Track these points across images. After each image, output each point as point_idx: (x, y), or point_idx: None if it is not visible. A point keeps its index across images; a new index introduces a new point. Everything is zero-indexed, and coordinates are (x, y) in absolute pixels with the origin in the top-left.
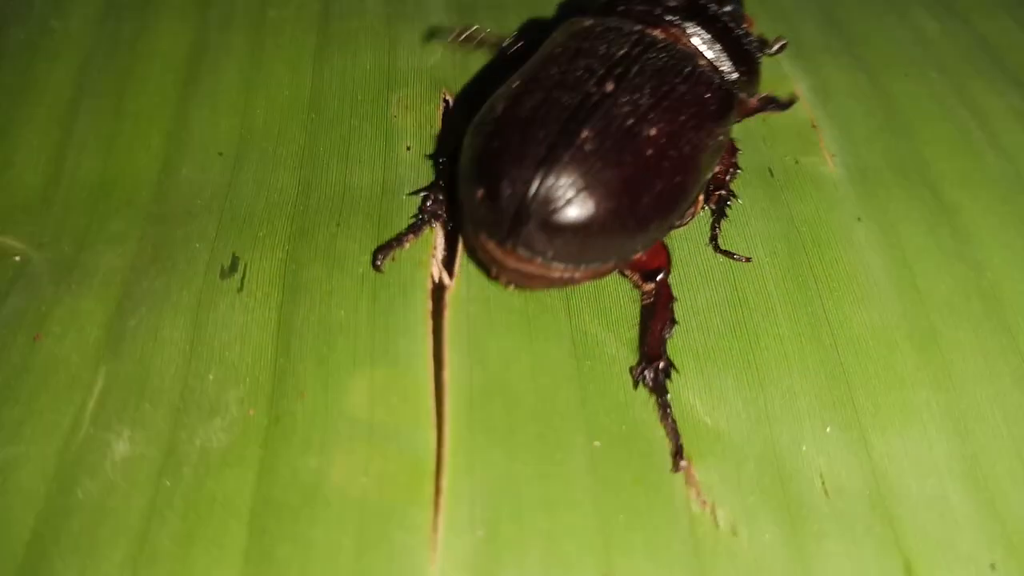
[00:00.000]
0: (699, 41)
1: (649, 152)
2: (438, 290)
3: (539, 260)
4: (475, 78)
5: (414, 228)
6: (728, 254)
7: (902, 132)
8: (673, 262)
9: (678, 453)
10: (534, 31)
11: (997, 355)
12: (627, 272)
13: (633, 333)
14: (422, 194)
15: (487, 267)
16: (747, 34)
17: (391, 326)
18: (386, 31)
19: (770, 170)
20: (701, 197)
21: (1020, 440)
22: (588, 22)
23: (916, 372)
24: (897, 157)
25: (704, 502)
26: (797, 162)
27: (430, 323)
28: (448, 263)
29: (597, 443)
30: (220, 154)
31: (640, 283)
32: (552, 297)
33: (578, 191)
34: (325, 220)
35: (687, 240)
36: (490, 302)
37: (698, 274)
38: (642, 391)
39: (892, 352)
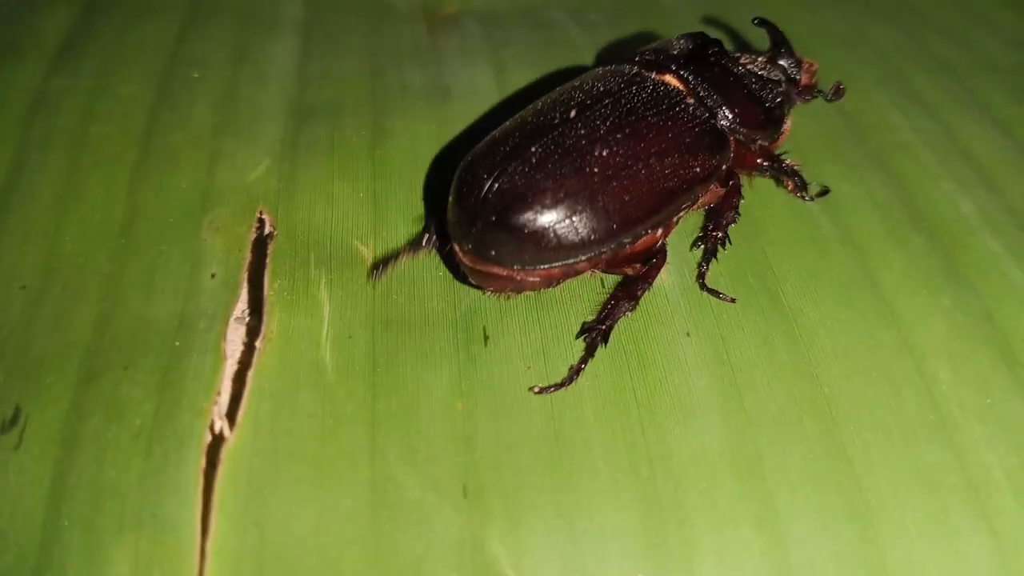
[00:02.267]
0: (690, 81)
1: (595, 169)
2: (215, 443)
3: (488, 260)
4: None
5: (414, 245)
6: (714, 293)
7: (746, 232)
8: (496, 389)
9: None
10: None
11: (829, 483)
12: (611, 272)
13: (440, 470)
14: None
15: (466, 275)
16: (764, 84)
17: (163, 486)
18: (210, 144)
19: (602, 281)
20: (660, 232)
21: None
22: (597, 69)
23: (737, 506)
24: (736, 261)
25: None
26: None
27: (202, 482)
28: (232, 409)
29: None
30: (23, 288)
31: (628, 272)
32: (356, 437)
33: (517, 197)
34: (114, 362)
35: (507, 364)
36: (278, 451)
37: (514, 403)
38: (442, 541)
39: (713, 484)
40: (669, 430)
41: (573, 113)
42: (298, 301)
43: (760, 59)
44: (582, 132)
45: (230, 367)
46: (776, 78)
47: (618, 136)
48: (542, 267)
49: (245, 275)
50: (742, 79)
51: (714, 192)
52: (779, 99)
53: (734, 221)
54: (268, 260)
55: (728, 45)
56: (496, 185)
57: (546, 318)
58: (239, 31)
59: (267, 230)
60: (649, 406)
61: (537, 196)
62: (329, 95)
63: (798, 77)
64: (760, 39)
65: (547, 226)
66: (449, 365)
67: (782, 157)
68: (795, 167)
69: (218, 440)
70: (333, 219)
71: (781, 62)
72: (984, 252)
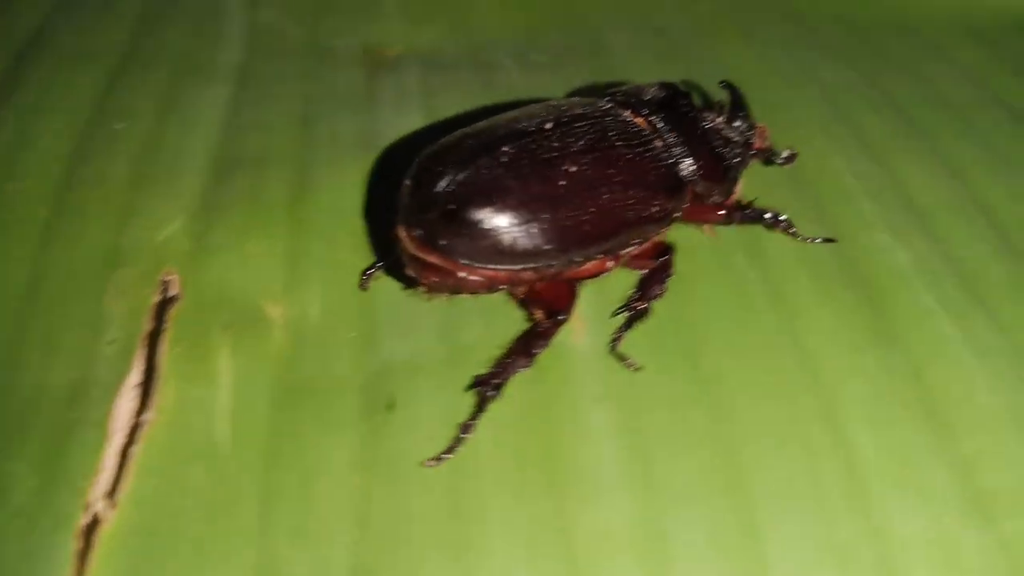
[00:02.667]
0: (660, 127)
1: (562, 182)
2: (93, 525)
3: (436, 251)
4: None
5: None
6: (621, 358)
7: (670, 289)
8: (396, 461)
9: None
10: None
11: (735, 565)
12: (528, 303)
13: (331, 550)
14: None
15: (406, 263)
16: (726, 143)
17: (37, 572)
18: (125, 200)
19: None
20: (611, 264)
21: None
22: (572, 99)
23: None
24: (656, 320)
25: None
26: None
27: (75, 567)
28: (114, 487)
29: None
30: None
31: (536, 315)
32: (245, 515)
33: (481, 191)
34: (4, 434)
35: (410, 434)
36: (159, 533)
37: (414, 476)
38: None
39: (612, 564)
40: (571, 504)
41: (549, 126)
42: (196, 369)
43: (719, 119)
44: (555, 145)
45: (116, 441)
46: (736, 138)
47: (588, 157)
48: (489, 267)
49: (143, 342)
50: (707, 135)
51: (647, 259)
52: (737, 159)
53: (660, 295)
54: (168, 325)
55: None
56: (461, 176)
57: (455, 383)
58: (172, 78)
59: (172, 292)
60: (552, 479)
61: (501, 194)
62: (256, 146)
63: (753, 140)
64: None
65: (503, 226)
66: (351, 435)
67: (755, 205)
68: (770, 215)
69: (96, 521)
70: (245, 279)
71: (736, 123)
72: (916, 307)
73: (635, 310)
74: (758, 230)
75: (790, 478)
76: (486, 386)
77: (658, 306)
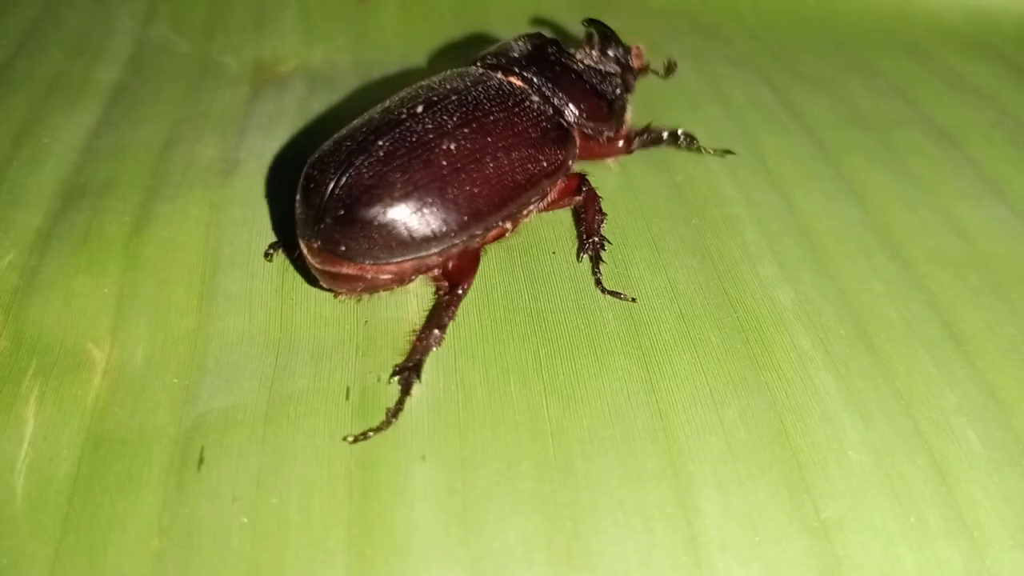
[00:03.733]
0: (535, 81)
1: (444, 162)
2: None
3: (339, 257)
4: None
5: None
6: (615, 294)
7: (520, 330)
8: (197, 525)
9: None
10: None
11: None
12: (433, 278)
13: None
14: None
15: (318, 279)
16: (604, 77)
17: None
18: None
19: (348, 390)
20: (509, 225)
21: None
22: (443, 72)
23: None
24: (502, 364)
25: None
26: (379, 379)
27: None
28: None
29: None
30: None
31: (442, 288)
32: None
33: (365, 190)
34: None
35: (215, 496)
36: None
37: (214, 543)
38: None
39: None
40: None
41: (420, 109)
42: None
43: (593, 52)
44: (430, 127)
45: None
46: (612, 70)
47: (465, 131)
48: (394, 261)
49: None
50: (583, 75)
51: (560, 199)
52: (619, 90)
53: (603, 222)
54: None
55: None
56: (343, 179)
57: (270, 440)
58: (39, 101)
59: None
60: (360, 548)
61: (385, 189)
62: (106, 174)
63: (631, 63)
64: None
65: (397, 219)
66: (155, 493)
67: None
68: (668, 133)
69: None
70: (69, 319)
71: (610, 52)
72: (791, 352)
73: (593, 244)
74: (628, 266)
75: (620, 546)
76: (407, 371)
77: (505, 347)
